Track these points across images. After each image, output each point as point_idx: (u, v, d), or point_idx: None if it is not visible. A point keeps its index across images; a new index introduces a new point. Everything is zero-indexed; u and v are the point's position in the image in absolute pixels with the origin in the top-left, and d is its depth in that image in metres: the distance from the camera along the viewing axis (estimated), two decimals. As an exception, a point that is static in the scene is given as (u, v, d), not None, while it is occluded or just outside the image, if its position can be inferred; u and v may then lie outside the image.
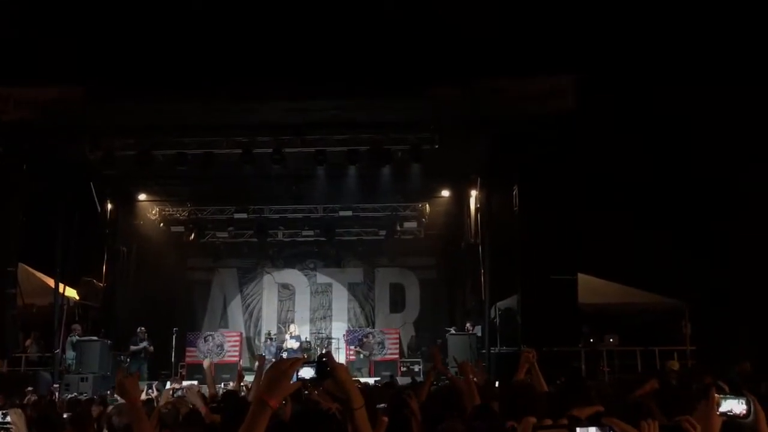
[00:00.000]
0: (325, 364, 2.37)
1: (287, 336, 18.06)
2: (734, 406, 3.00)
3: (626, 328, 15.67)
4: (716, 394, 2.97)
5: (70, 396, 11.36)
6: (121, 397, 4.46)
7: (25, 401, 9.49)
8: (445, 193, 19.63)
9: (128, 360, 16.83)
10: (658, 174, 16.33)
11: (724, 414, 2.93)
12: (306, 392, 5.41)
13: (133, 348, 16.86)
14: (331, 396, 2.61)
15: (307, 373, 2.64)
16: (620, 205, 16.47)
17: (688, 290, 15.63)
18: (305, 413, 3.96)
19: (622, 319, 16.01)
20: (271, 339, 18.91)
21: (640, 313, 16.25)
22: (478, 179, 17.20)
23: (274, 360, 16.41)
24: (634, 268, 15.94)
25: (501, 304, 16.22)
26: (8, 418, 4.65)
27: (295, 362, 2.28)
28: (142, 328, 17.06)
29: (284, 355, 17.68)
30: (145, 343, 16.91)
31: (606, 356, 15.07)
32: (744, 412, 2.98)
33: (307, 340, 20.25)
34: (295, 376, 2.36)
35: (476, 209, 17.84)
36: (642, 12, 15.59)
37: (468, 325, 17.26)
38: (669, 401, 4.27)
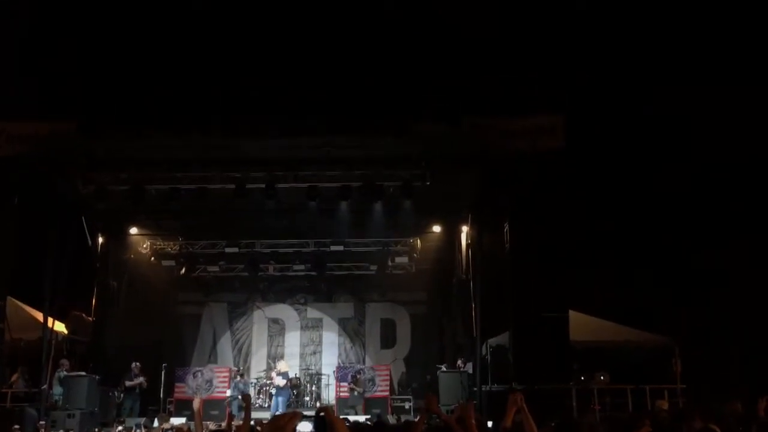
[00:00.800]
0: (322, 419, 2.40)
1: (274, 373, 17.82)
2: None
3: (617, 366, 15.67)
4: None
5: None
6: None
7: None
8: (437, 228, 19.69)
9: (122, 396, 16.67)
10: (647, 212, 16.52)
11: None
12: None
13: (128, 384, 16.72)
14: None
15: (305, 427, 2.66)
16: (611, 242, 16.62)
17: (678, 328, 15.70)
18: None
19: (612, 357, 16.00)
20: (240, 375, 18.60)
21: (630, 351, 16.24)
22: (469, 215, 17.29)
23: (239, 397, 16.35)
24: (624, 306, 16.03)
25: (492, 341, 16.19)
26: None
27: (294, 417, 2.30)
28: (137, 364, 16.97)
29: (251, 392, 17.49)
30: (141, 379, 16.80)
31: (597, 394, 15.02)
32: None
33: (297, 376, 20.11)
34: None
35: (467, 245, 17.89)
36: (629, 53, 15.92)
37: (459, 362, 17.19)
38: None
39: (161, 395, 18.09)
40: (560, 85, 15.51)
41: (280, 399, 17.17)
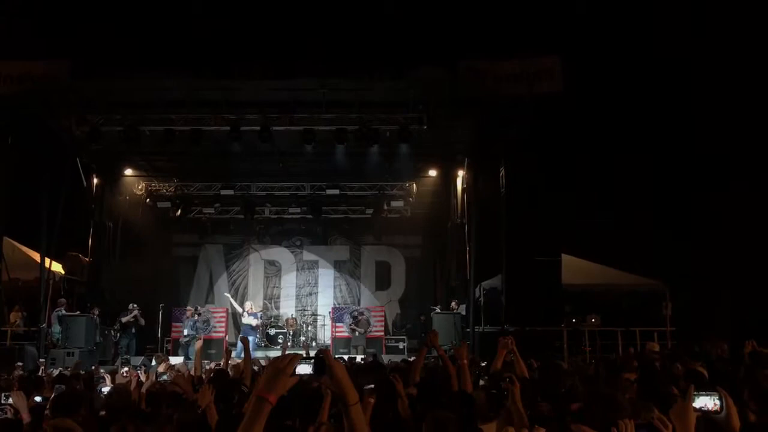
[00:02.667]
0: (322, 361, 2.46)
1: (245, 312, 17.89)
2: (707, 402, 3.13)
3: (608, 309, 15.92)
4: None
5: (56, 370, 11.40)
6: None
7: (12, 376, 9.54)
8: (433, 173, 19.69)
9: (118, 335, 16.89)
10: (642, 156, 16.51)
11: (697, 410, 3.06)
12: None
13: (123, 319, 16.84)
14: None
15: (304, 369, 2.73)
16: (604, 186, 16.66)
17: (669, 271, 15.89)
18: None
19: (604, 300, 16.25)
20: (198, 314, 18.10)
21: (622, 294, 16.50)
22: (465, 160, 17.29)
23: (195, 335, 16.56)
24: (616, 250, 16.16)
25: (486, 284, 16.41)
26: (10, 400, 4.71)
27: (293, 359, 2.36)
28: (135, 305, 17.10)
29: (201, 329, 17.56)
30: (136, 312, 16.91)
31: (588, 336, 15.31)
32: (717, 407, 3.11)
33: (293, 316, 20.38)
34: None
35: (463, 189, 17.96)
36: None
37: (453, 303, 17.44)
38: (651, 390, 4.41)
39: (158, 335, 18.35)
40: (557, 28, 15.31)
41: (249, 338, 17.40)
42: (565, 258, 14.98)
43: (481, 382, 5.47)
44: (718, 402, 3.11)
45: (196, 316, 18.03)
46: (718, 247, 15.35)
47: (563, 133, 14.61)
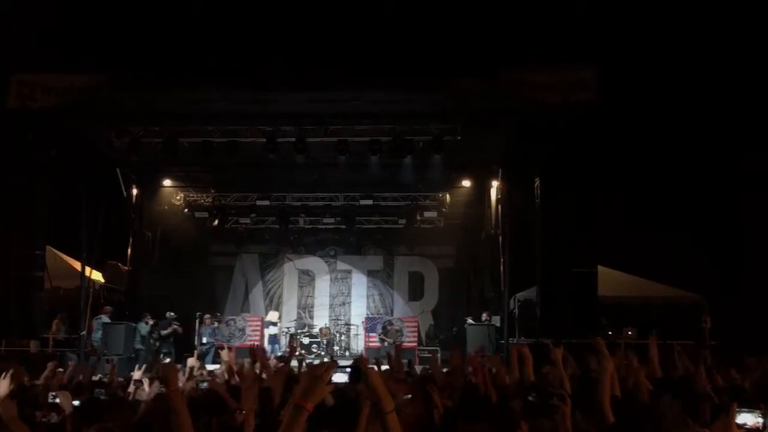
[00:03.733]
0: (358, 369, 2.50)
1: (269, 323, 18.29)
2: (749, 419, 3.08)
3: (645, 322, 15.67)
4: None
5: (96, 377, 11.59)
6: (163, 385, 4.62)
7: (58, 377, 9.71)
8: (466, 183, 19.65)
9: (157, 344, 17.16)
10: (679, 168, 16.29)
11: (739, 427, 3.00)
12: None
13: (163, 332, 17.16)
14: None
15: (340, 377, 2.78)
16: (641, 198, 16.45)
17: (708, 285, 15.60)
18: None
19: (640, 312, 16.01)
20: (218, 321, 18.63)
21: (659, 307, 16.24)
22: (500, 171, 17.21)
23: (214, 342, 16.88)
24: (653, 262, 15.95)
25: (520, 295, 16.30)
26: (57, 400, 4.82)
27: (330, 367, 2.41)
28: (172, 314, 17.40)
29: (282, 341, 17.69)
30: (175, 326, 17.24)
31: (624, 349, 15.07)
32: (758, 425, 3.06)
33: (327, 326, 20.44)
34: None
35: (497, 200, 17.87)
36: (664, 4, 15.48)
37: (484, 315, 17.32)
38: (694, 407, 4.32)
39: (195, 343, 18.59)
40: (594, 38, 15.18)
41: (276, 347, 17.86)
42: (601, 269, 14.80)
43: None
44: (760, 419, 3.06)
45: (215, 323, 18.30)
46: (758, 260, 15.05)
47: (599, 145, 14.45)
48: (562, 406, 3.77)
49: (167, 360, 14.69)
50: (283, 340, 19.47)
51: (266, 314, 19.67)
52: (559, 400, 3.83)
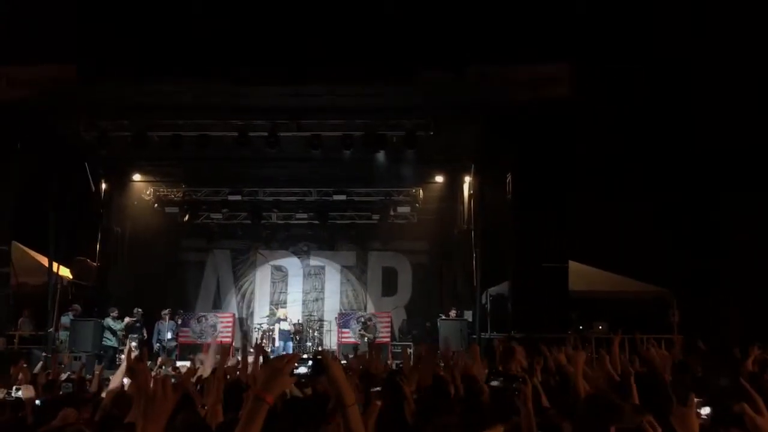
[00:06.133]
0: (320, 362, 2.46)
1: (284, 321, 18.31)
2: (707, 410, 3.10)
3: (615, 316, 15.82)
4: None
5: (65, 374, 11.42)
6: (132, 380, 4.51)
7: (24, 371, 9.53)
8: (439, 178, 19.68)
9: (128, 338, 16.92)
10: (649, 163, 16.47)
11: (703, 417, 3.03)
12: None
13: (118, 327, 16.86)
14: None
15: (302, 369, 2.73)
16: (611, 194, 16.60)
17: (676, 279, 15.80)
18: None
19: (611, 307, 16.15)
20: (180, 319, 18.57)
21: (629, 302, 16.40)
22: (472, 166, 17.25)
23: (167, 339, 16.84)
24: (623, 257, 16.10)
25: (492, 290, 16.36)
26: (20, 393, 4.73)
27: (292, 359, 2.36)
28: (139, 310, 17.17)
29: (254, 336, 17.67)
30: (128, 318, 16.99)
31: (594, 343, 15.22)
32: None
33: (299, 322, 20.33)
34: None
35: (469, 195, 17.92)
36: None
37: (453, 312, 17.33)
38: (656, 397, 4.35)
39: (153, 340, 18.36)
40: (566, 33, 15.29)
41: (290, 344, 17.69)
42: (572, 264, 14.91)
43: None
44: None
45: (179, 320, 18.15)
46: (726, 254, 15.27)
47: (571, 140, 14.57)
48: (525, 388, 3.86)
49: (135, 353, 14.48)
50: (254, 336, 19.39)
51: (269, 313, 19.63)
52: (522, 383, 3.92)
